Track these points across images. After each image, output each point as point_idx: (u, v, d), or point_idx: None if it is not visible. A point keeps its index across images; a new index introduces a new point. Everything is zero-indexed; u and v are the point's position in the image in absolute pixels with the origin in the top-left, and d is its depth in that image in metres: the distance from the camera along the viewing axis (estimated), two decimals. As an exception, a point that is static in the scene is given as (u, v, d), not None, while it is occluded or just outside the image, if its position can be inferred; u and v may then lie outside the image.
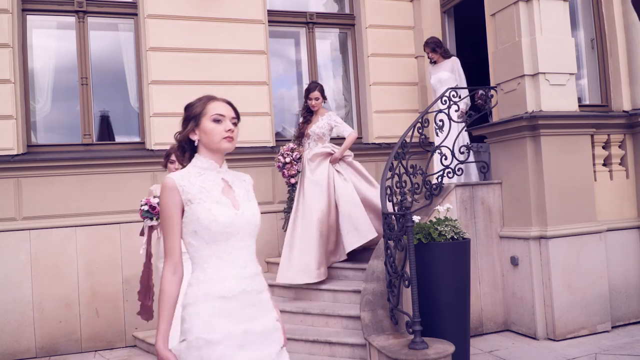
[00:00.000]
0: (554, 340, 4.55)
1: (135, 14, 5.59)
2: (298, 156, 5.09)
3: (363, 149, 6.20)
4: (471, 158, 5.20)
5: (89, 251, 5.11)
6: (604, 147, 5.18)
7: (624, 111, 5.25)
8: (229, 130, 1.84)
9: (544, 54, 4.69)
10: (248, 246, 1.83)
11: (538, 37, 4.69)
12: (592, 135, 4.99)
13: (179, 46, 5.53)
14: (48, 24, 5.57)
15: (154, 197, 3.90)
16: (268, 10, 6.00)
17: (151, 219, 3.89)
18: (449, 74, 5.70)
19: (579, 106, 4.98)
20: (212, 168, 1.88)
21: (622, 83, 5.30)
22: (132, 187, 5.26)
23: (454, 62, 5.74)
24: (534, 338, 4.64)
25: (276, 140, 5.93)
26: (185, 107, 1.92)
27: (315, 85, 5.02)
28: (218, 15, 5.68)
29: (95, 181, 5.18)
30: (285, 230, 5.04)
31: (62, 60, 5.54)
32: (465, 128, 5.34)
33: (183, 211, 1.78)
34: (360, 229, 4.73)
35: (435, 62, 5.84)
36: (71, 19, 5.46)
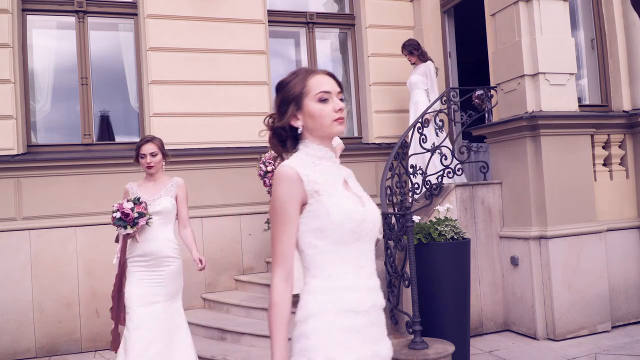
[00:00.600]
0: (554, 340, 4.55)
1: (135, 14, 5.59)
2: None
3: (363, 149, 6.20)
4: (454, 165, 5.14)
5: (89, 251, 5.11)
6: (604, 147, 5.18)
7: (624, 111, 5.25)
8: (339, 109, 1.52)
9: (544, 54, 4.69)
10: (371, 251, 1.56)
11: (538, 37, 4.69)
12: (592, 135, 4.99)
13: (179, 46, 5.52)
14: (48, 24, 5.58)
15: (128, 200, 3.43)
16: (268, 10, 6.00)
17: (125, 227, 3.37)
18: (420, 77, 5.71)
19: (579, 106, 4.98)
20: (327, 157, 1.56)
21: (622, 83, 5.30)
22: (132, 187, 5.26)
23: (427, 66, 5.72)
24: (534, 338, 4.64)
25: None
26: (279, 85, 1.59)
27: None
28: (218, 15, 5.68)
29: (95, 181, 5.18)
30: None
31: (62, 60, 5.54)
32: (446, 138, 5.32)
33: (302, 206, 1.47)
34: None
35: (414, 64, 5.85)
36: (71, 19, 5.46)
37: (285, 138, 1.58)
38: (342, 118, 1.53)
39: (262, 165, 4.93)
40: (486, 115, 5.35)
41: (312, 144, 1.55)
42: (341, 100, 1.55)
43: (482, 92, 5.66)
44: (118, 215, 3.35)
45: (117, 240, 3.63)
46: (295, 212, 1.45)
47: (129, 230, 3.36)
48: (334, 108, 1.52)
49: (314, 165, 1.51)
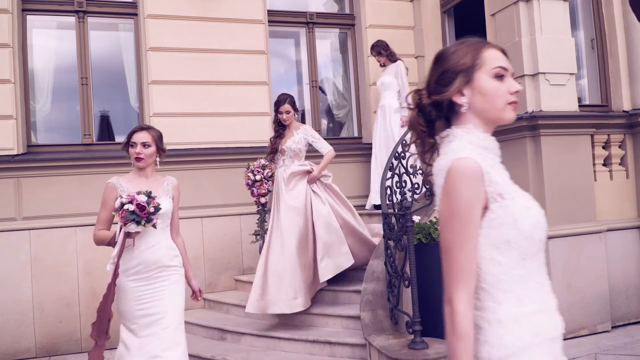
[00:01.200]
0: (554, 340, 4.54)
1: (135, 14, 5.59)
2: (270, 174, 4.64)
3: (363, 149, 6.20)
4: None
5: (89, 251, 5.10)
6: (604, 147, 5.18)
7: (624, 111, 5.25)
8: (516, 91, 1.28)
9: (544, 54, 4.69)
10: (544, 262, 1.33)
11: (538, 37, 4.69)
12: (592, 135, 4.99)
13: (179, 46, 5.53)
14: (48, 24, 5.58)
15: (139, 193, 2.81)
16: (268, 10, 6.00)
17: (138, 222, 2.75)
18: (392, 78, 5.67)
19: (579, 106, 4.98)
20: (492, 148, 1.32)
21: (622, 83, 5.30)
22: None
23: (398, 66, 5.69)
24: (534, 338, 4.63)
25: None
26: (440, 55, 1.33)
27: (285, 98, 4.58)
28: (218, 15, 5.68)
29: (95, 181, 5.17)
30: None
31: (62, 60, 5.54)
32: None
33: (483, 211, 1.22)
34: (334, 258, 4.35)
35: (384, 66, 5.81)
36: (71, 19, 5.46)
37: (435, 118, 1.31)
38: (517, 102, 1.31)
39: (250, 174, 4.66)
40: None
41: (476, 130, 1.29)
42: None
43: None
44: (131, 207, 2.71)
45: (111, 244, 2.97)
46: (479, 218, 1.20)
47: (139, 228, 2.78)
48: (509, 89, 1.28)
49: (482, 158, 1.25)
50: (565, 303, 4.60)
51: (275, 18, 6.14)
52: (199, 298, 3.35)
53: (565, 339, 5.02)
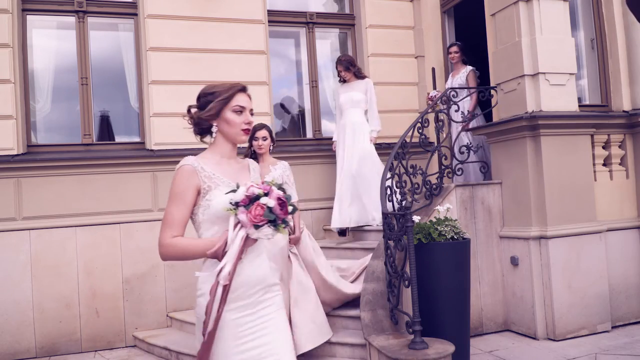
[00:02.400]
0: (554, 340, 4.55)
1: (135, 14, 5.59)
2: None
3: (363, 149, 6.20)
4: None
5: (89, 251, 5.11)
6: (604, 147, 5.18)
7: (624, 111, 5.25)
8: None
9: (544, 54, 4.69)
10: None
11: (538, 37, 4.69)
12: (592, 135, 4.99)
13: (179, 46, 5.53)
14: (48, 24, 5.57)
15: (257, 185, 1.87)
16: (268, 10, 6.00)
17: (275, 226, 1.85)
18: (362, 95, 5.51)
19: (579, 106, 4.98)
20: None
21: (622, 83, 5.30)
22: (132, 187, 5.26)
23: (368, 84, 5.56)
24: (534, 338, 4.64)
25: (276, 140, 5.92)
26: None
27: (262, 125, 4.16)
28: (218, 15, 5.68)
29: (95, 181, 5.18)
30: None
31: (62, 60, 5.54)
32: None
33: None
34: (298, 336, 3.79)
35: (345, 81, 5.62)
36: (71, 19, 5.46)
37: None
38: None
39: None
40: (437, 118, 5.08)
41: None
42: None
43: (436, 93, 5.68)
44: (272, 203, 1.82)
45: (217, 256, 1.87)
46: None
47: (275, 234, 1.87)
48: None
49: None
50: (565, 303, 4.60)
51: (275, 18, 6.14)
52: None
53: (565, 339, 5.02)
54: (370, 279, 4.25)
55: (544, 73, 4.69)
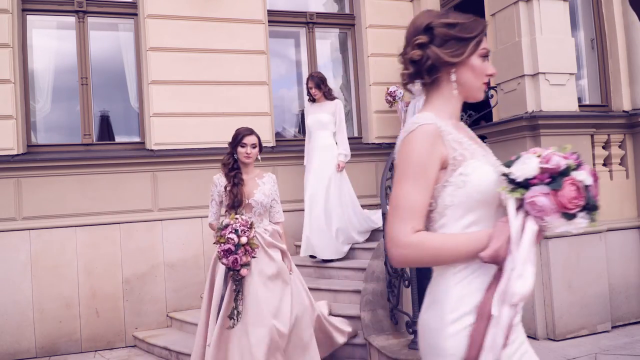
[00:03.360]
0: (553, 340, 4.55)
1: (135, 14, 5.59)
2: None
3: (363, 149, 6.20)
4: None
5: (89, 251, 5.11)
6: (604, 147, 5.18)
7: (624, 111, 5.25)
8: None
9: (544, 54, 4.69)
10: None
11: (538, 37, 4.70)
12: (592, 135, 4.99)
13: (179, 46, 5.53)
14: (48, 24, 5.58)
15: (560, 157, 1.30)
16: (268, 10, 6.00)
17: (591, 213, 1.37)
18: (330, 116, 5.13)
19: (579, 106, 4.98)
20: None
21: (622, 83, 5.30)
22: (132, 187, 5.27)
23: (337, 105, 5.18)
24: (534, 338, 4.64)
25: (276, 140, 5.94)
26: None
27: (251, 130, 3.60)
28: (218, 15, 5.68)
29: (95, 181, 5.18)
30: None
31: (62, 60, 5.54)
32: None
33: None
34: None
35: (314, 101, 5.25)
36: (71, 19, 5.46)
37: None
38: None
39: (231, 235, 3.04)
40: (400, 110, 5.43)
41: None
42: None
43: (395, 88, 5.64)
44: (589, 180, 1.33)
45: (498, 258, 1.30)
46: None
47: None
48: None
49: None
50: (565, 303, 4.60)
51: (275, 18, 6.14)
52: None
53: (565, 339, 5.01)
54: (370, 279, 4.25)
55: (544, 73, 4.69)
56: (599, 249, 4.80)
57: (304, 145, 5.89)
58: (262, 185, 3.50)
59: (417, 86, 1.51)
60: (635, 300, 5.04)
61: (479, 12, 5.41)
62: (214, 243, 3.08)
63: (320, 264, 5.03)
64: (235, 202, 3.38)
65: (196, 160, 5.45)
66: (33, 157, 5.02)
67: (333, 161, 5.11)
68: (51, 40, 5.58)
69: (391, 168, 4.35)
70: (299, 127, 6.60)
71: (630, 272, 5.06)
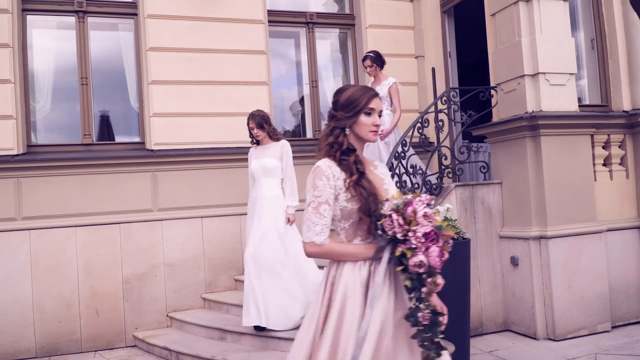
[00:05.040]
0: (554, 340, 4.55)
1: (135, 14, 5.59)
2: None
3: (363, 149, 6.20)
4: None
5: (89, 251, 5.11)
6: (604, 147, 5.18)
7: (624, 111, 5.25)
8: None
9: (544, 54, 4.69)
10: None
11: (538, 37, 4.69)
12: (592, 135, 4.99)
13: (179, 46, 5.52)
14: (48, 24, 5.57)
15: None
16: (268, 10, 6.00)
17: None
18: (277, 161, 4.34)
19: (579, 106, 4.98)
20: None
21: (622, 83, 5.30)
22: (132, 187, 5.26)
23: (284, 147, 4.39)
24: (534, 338, 4.64)
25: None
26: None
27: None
28: (218, 15, 5.68)
29: (95, 181, 5.18)
30: None
31: (62, 60, 5.54)
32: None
33: None
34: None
35: (258, 143, 4.47)
36: (71, 19, 5.46)
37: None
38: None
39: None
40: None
41: None
42: None
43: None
44: None
45: None
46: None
47: None
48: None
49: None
50: (565, 303, 4.60)
51: (275, 18, 6.14)
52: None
53: (565, 339, 5.02)
54: (370, 279, 4.24)
55: (544, 73, 4.69)
56: (599, 249, 4.80)
57: (304, 145, 5.89)
58: (382, 174, 2.14)
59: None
60: (635, 300, 5.04)
61: (479, 12, 5.42)
62: (382, 231, 1.86)
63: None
64: (370, 206, 1.91)
65: (196, 160, 5.45)
66: (33, 157, 5.02)
67: (281, 215, 4.31)
68: (51, 40, 5.58)
69: (391, 168, 4.35)
70: (299, 127, 6.60)
71: (630, 272, 5.06)
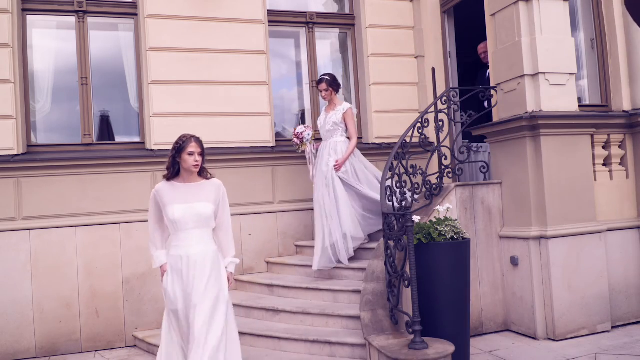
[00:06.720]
0: (554, 340, 4.55)
1: (135, 14, 5.59)
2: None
3: (363, 149, 6.18)
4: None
5: (89, 251, 5.11)
6: (604, 147, 5.18)
7: (624, 111, 5.25)
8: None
9: (544, 54, 4.69)
10: None
11: (538, 37, 4.69)
12: (592, 135, 4.99)
13: (179, 46, 5.53)
14: (48, 24, 5.57)
15: None
16: (268, 10, 6.00)
17: None
18: (212, 206, 3.36)
19: (579, 106, 4.98)
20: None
21: (622, 83, 5.30)
22: (132, 187, 5.26)
23: (220, 189, 3.51)
24: (534, 338, 4.64)
25: (276, 140, 5.93)
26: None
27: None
28: (218, 15, 5.68)
29: (95, 181, 5.18)
30: None
31: (62, 60, 5.54)
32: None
33: None
34: None
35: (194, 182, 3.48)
36: (71, 19, 5.46)
37: None
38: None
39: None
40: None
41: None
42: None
43: (303, 129, 5.29)
44: None
45: None
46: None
47: None
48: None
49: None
50: (565, 303, 4.61)
51: (275, 18, 6.14)
52: None
53: (565, 339, 5.03)
54: (370, 279, 4.25)
55: (544, 73, 4.70)
56: (599, 249, 4.80)
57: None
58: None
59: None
60: (635, 300, 5.04)
61: (479, 12, 5.42)
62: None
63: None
64: None
65: (196, 160, 5.44)
66: (33, 157, 5.02)
67: (220, 275, 3.23)
68: (51, 40, 5.58)
69: (391, 168, 4.35)
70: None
71: (630, 272, 5.06)
